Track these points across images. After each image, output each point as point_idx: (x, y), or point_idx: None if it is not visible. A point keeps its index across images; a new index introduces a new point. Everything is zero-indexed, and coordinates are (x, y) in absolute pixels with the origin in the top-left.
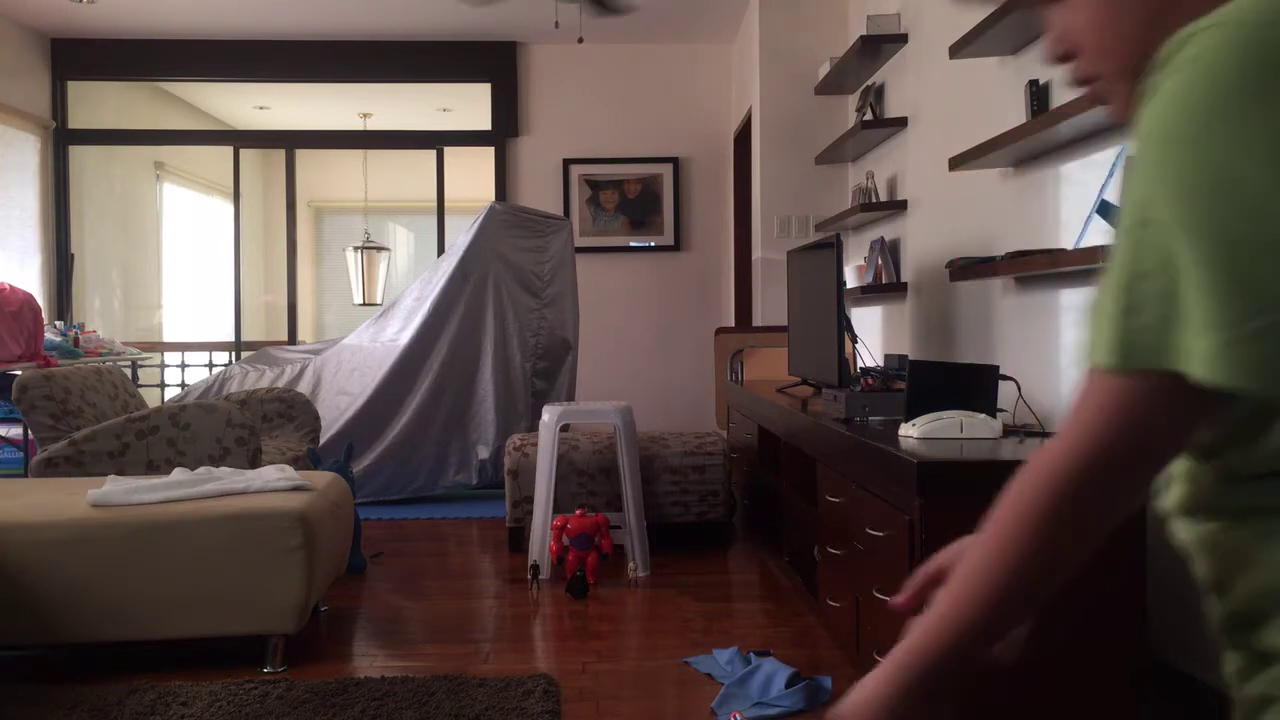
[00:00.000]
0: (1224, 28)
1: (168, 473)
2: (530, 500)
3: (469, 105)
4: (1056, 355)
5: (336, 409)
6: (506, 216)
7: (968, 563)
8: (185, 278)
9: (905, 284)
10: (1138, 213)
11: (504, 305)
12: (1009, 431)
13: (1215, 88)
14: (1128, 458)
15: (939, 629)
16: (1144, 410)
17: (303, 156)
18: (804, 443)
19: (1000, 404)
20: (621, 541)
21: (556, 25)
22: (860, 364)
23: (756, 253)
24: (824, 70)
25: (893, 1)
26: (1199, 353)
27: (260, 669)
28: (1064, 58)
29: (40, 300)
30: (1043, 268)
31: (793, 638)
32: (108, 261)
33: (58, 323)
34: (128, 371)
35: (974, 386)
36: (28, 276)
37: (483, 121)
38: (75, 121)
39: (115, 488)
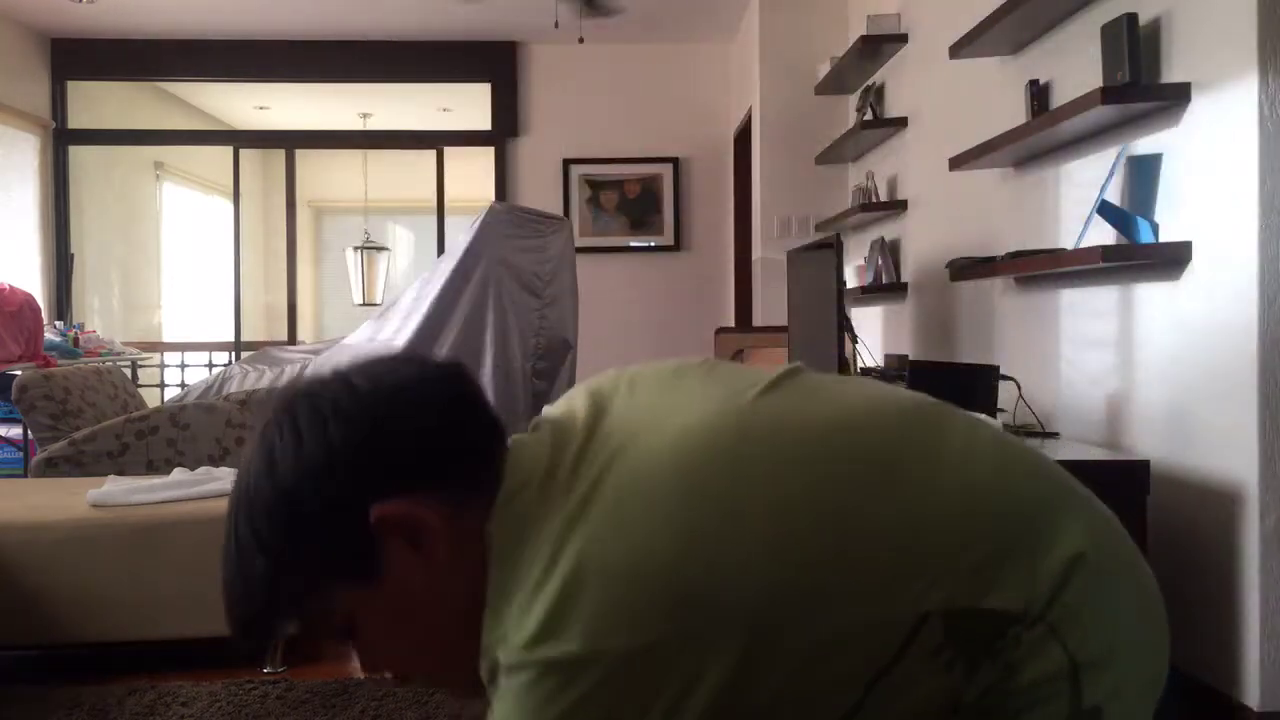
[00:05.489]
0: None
1: (168, 473)
2: None
3: (469, 105)
4: (1056, 355)
5: None
6: (506, 216)
7: None
8: (185, 278)
9: (905, 284)
10: None
11: (504, 305)
12: (1009, 432)
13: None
14: None
15: None
16: None
17: (303, 156)
18: None
19: (1000, 404)
20: None
21: (556, 25)
22: (860, 364)
23: (756, 253)
24: (824, 70)
25: (893, 1)
26: None
27: (260, 669)
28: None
29: (40, 300)
30: (1043, 268)
31: None
32: (108, 261)
33: (58, 323)
34: (128, 371)
35: (974, 386)
36: (28, 276)
37: (483, 121)
38: (75, 121)
39: (115, 488)
